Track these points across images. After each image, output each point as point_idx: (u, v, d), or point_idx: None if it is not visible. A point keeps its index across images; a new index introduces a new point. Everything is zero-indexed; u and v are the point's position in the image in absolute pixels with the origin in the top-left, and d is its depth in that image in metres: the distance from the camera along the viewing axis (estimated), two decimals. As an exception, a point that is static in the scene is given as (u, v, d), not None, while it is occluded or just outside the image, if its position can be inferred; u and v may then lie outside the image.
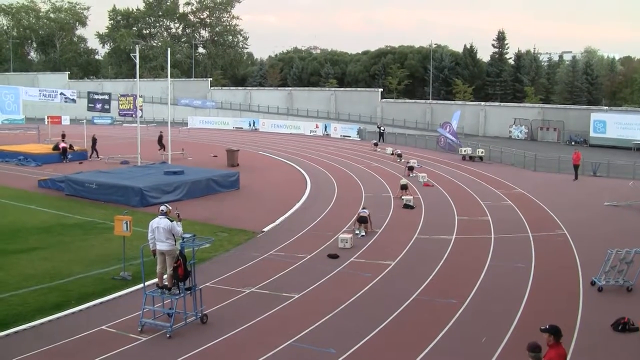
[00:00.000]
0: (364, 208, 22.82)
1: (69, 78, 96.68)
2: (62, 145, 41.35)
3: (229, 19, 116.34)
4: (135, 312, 13.21)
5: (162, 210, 13.39)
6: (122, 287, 15.42)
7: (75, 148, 42.52)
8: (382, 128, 59.35)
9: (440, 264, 17.86)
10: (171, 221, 13.08)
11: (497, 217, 24.52)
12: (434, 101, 76.10)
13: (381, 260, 18.10)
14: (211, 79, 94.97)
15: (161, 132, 44.12)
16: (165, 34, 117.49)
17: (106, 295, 14.79)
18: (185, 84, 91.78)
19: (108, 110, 49.37)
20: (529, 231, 22.10)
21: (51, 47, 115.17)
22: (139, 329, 12.58)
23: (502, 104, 72.62)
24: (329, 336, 12.40)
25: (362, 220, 21.67)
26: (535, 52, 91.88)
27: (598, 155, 42.38)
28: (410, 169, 36.95)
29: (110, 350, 11.67)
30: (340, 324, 13.11)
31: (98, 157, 41.52)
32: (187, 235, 13.05)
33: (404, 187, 28.89)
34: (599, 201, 28.30)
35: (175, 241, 13.15)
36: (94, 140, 42.65)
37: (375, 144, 53.65)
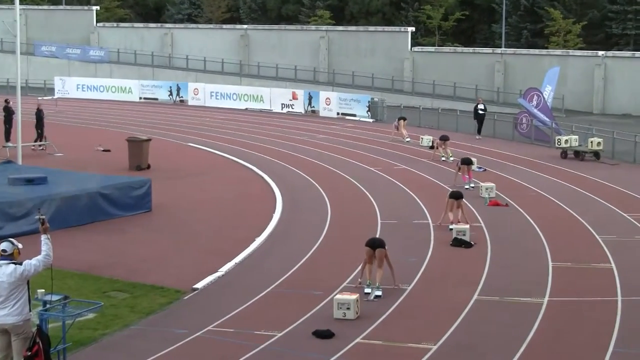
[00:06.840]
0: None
1: None
2: None
3: None
4: None
5: (5, 252, 9.85)
6: None
7: None
8: (481, 107, 37.12)
9: (522, 349, 12.24)
10: (18, 265, 9.46)
11: (630, 265, 17.29)
12: (510, 50, 59.03)
13: (412, 343, 12.66)
14: (98, 7, 65.40)
15: (7, 100, 31.02)
16: None
17: None
18: (50, 15, 64.49)
19: None
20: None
21: None
22: None
23: (637, 53, 52.19)
24: None
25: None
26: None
27: None
28: (465, 169, 25.87)
29: None
30: None
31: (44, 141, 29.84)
32: (55, 297, 10.22)
33: (457, 199, 19.48)
34: None
35: (30, 308, 9.73)
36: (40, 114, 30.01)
37: (397, 127, 35.14)
